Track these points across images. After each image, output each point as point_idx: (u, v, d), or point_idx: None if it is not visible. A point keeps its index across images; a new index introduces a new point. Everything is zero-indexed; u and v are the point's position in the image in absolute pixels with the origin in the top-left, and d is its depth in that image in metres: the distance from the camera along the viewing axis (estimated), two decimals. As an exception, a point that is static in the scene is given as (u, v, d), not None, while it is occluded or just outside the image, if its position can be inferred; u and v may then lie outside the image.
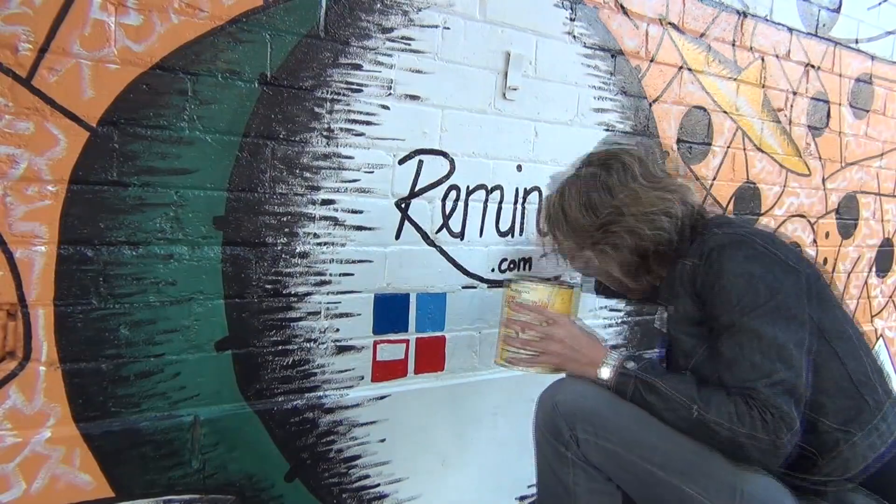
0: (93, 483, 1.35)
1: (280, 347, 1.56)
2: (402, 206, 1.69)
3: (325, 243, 1.59)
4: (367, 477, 1.71)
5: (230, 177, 1.44)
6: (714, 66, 2.27)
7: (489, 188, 1.84)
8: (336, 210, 1.59)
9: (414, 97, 1.67)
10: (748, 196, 2.48)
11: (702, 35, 2.22)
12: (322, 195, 1.57)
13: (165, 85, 1.34)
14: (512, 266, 1.92)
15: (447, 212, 1.77)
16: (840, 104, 2.74)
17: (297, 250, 1.55)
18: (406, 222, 1.70)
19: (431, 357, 1.81)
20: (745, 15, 2.33)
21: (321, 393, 1.63)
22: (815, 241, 2.77)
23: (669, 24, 2.13)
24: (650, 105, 2.13)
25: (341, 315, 1.64)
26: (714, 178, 2.34)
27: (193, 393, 1.46)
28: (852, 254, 2.96)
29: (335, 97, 1.55)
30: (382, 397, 1.71)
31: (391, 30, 1.61)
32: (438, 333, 1.81)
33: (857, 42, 2.75)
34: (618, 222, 1.36)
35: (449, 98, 1.72)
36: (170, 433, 1.42)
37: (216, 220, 1.44)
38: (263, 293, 1.52)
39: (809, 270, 1.30)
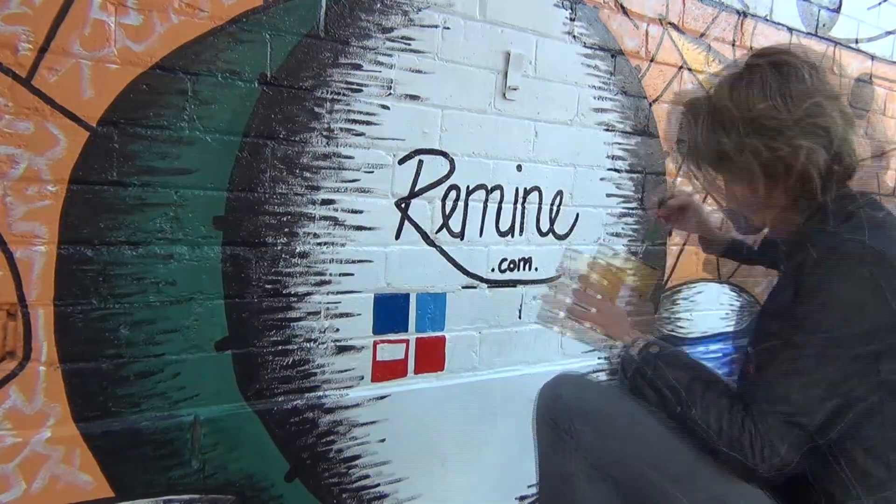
0: (93, 483, 1.35)
1: (280, 347, 1.56)
2: (402, 206, 1.69)
3: (325, 243, 1.59)
4: (367, 477, 1.71)
5: (230, 177, 1.44)
6: (714, 66, 2.27)
7: (489, 188, 1.84)
8: (336, 210, 1.59)
9: (414, 97, 1.67)
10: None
11: (702, 35, 2.22)
12: (322, 195, 1.57)
13: (165, 85, 1.34)
14: (512, 266, 1.92)
15: (447, 212, 1.77)
16: (840, 104, 2.74)
17: (297, 250, 1.55)
18: (406, 222, 1.70)
19: (431, 357, 1.81)
20: (745, 15, 2.33)
21: (321, 393, 1.63)
22: (815, 240, 2.76)
23: (669, 24, 2.13)
24: (650, 105, 2.13)
25: (341, 315, 1.64)
26: (714, 178, 2.34)
27: (193, 393, 1.46)
28: (852, 254, 2.95)
29: (335, 97, 1.55)
30: (382, 397, 1.71)
31: (391, 30, 1.61)
32: (438, 333, 1.81)
33: (856, 42, 2.75)
34: (820, 116, 1.12)
35: (449, 98, 1.72)
36: (170, 433, 1.42)
37: (216, 220, 1.44)
38: (263, 293, 1.52)
39: None
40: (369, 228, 1.65)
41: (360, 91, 1.58)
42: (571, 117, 1.96)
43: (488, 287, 1.88)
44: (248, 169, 1.46)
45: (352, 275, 1.63)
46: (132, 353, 1.38)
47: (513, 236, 1.91)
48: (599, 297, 1.41)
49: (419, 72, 1.66)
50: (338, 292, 1.62)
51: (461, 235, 1.81)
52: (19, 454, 1.28)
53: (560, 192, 1.97)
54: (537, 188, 1.93)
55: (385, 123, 1.63)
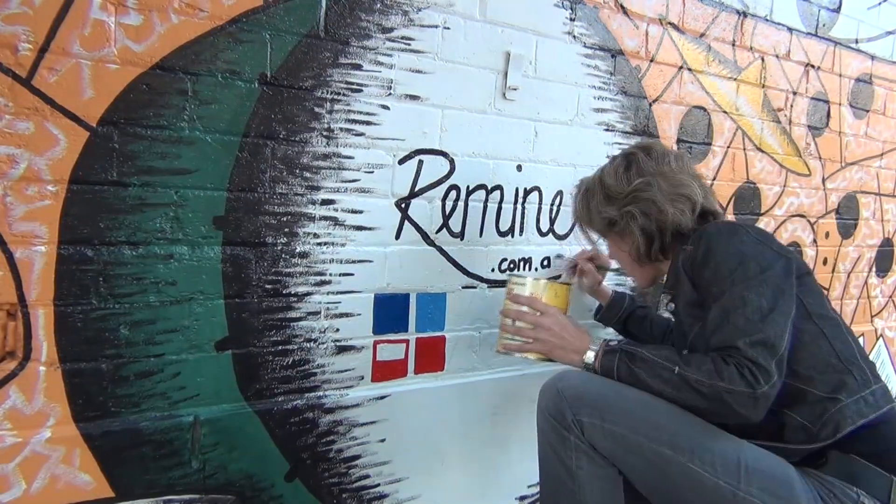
0: (93, 483, 1.35)
1: (280, 347, 1.56)
2: (402, 206, 1.69)
3: (325, 243, 1.59)
4: (367, 477, 1.71)
5: (230, 177, 1.44)
6: (714, 66, 2.27)
7: (489, 188, 1.84)
8: (336, 210, 1.59)
9: (414, 97, 1.67)
10: (748, 196, 2.48)
11: (702, 35, 2.22)
12: (322, 195, 1.57)
13: (165, 85, 1.34)
14: (512, 266, 1.92)
15: (447, 212, 1.77)
16: (840, 104, 2.74)
17: (297, 250, 1.55)
18: (406, 222, 1.70)
19: (431, 357, 1.81)
20: (745, 15, 2.33)
21: (321, 393, 1.63)
22: (815, 240, 2.77)
23: (669, 24, 2.13)
24: (650, 105, 2.13)
25: (341, 315, 1.64)
26: (714, 178, 2.34)
27: (193, 393, 1.46)
28: (852, 254, 2.96)
29: (335, 97, 1.55)
30: (382, 397, 1.71)
31: (391, 30, 1.61)
32: (438, 333, 1.81)
33: (857, 42, 2.75)
34: (647, 191, 1.47)
35: (449, 98, 1.72)
36: (170, 433, 1.42)
37: (216, 220, 1.44)
38: (263, 293, 1.52)
39: (798, 262, 1.39)
40: (369, 228, 1.65)
41: (360, 91, 1.58)
42: (571, 117, 1.96)
43: (488, 287, 1.88)
44: (248, 169, 1.46)
45: (352, 275, 1.63)
46: (132, 353, 1.38)
47: (513, 236, 1.91)
48: (551, 313, 1.50)
49: (419, 72, 1.66)
50: (338, 292, 1.62)
51: (461, 235, 1.81)
52: (19, 454, 1.28)
53: (560, 193, 1.97)
54: (537, 188, 1.93)
55: (385, 123, 1.63)
